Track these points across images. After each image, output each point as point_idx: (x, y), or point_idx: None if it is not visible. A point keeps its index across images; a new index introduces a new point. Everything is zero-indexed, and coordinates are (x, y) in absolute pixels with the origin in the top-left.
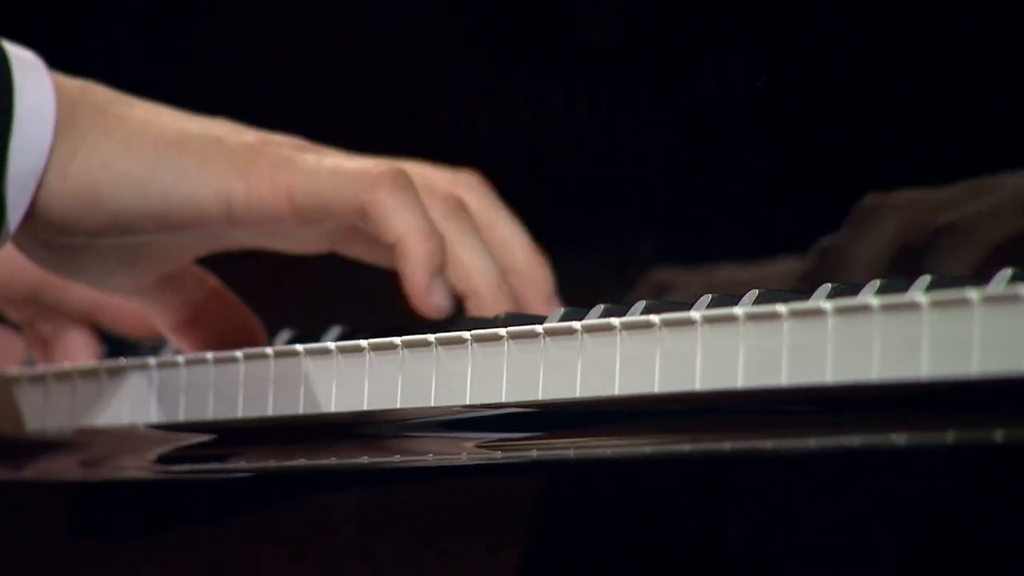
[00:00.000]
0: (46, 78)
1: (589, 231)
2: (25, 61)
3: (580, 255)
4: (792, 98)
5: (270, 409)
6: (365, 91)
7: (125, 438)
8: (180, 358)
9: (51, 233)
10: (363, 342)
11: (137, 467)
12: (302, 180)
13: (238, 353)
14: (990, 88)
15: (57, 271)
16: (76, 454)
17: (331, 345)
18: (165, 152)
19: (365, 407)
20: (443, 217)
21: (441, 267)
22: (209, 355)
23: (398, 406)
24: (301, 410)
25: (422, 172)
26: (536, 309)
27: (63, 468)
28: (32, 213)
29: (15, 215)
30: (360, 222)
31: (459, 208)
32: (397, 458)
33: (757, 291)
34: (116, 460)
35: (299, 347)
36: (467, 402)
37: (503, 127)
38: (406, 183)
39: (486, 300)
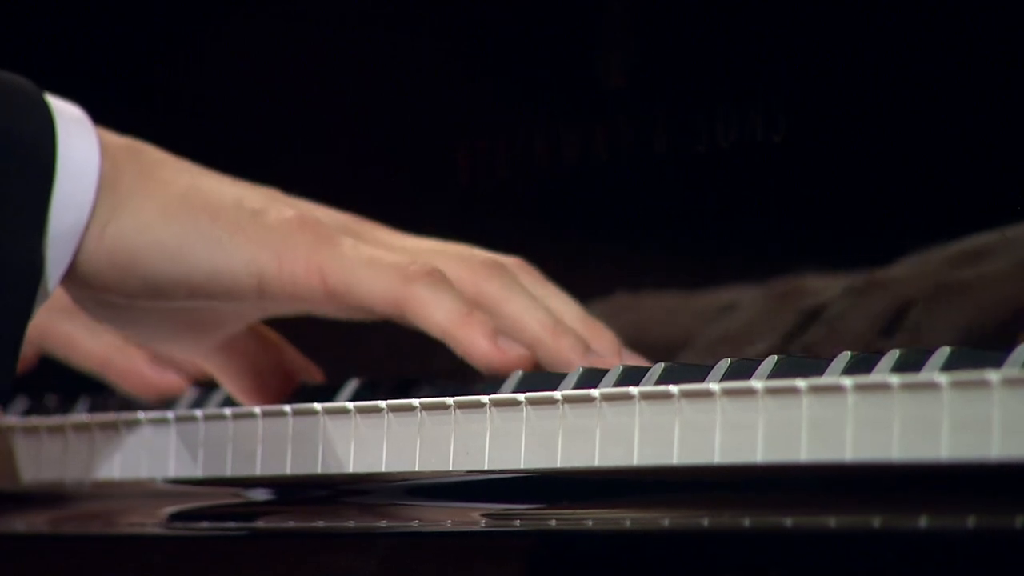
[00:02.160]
0: (91, 134)
1: (606, 274)
2: (71, 116)
3: (596, 298)
4: (812, 149)
5: (288, 467)
6: (383, 133)
7: (143, 492)
8: (199, 413)
9: (88, 291)
10: (381, 403)
11: (154, 523)
12: (337, 264)
13: (256, 409)
14: (1016, 142)
15: (111, 326)
16: (93, 507)
17: (349, 405)
18: (201, 222)
19: (383, 468)
20: (485, 279)
21: (495, 330)
22: (227, 411)
23: (416, 468)
24: (319, 469)
25: (460, 249)
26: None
27: (79, 521)
28: (71, 271)
29: (55, 273)
30: (393, 315)
31: (499, 268)
32: (416, 523)
33: (776, 357)
34: (133, 515)
35: (317, 406)
36: (485, 467)
37: (521, 170)
38: (440, 278)
39: (551, 345)
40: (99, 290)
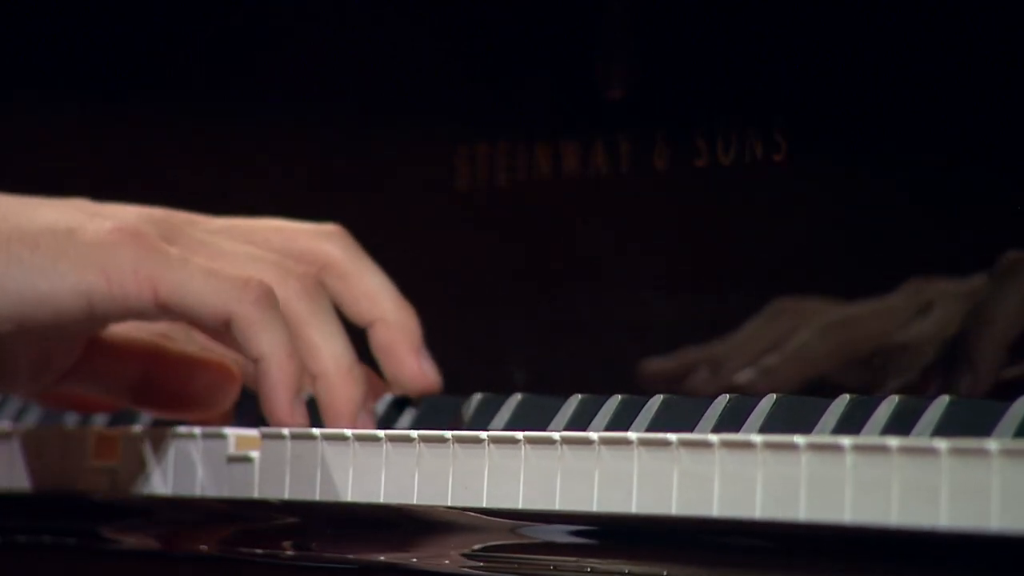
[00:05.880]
0: None
1: (603, 288)
2: None
3: (593, 313)
4: (811, 170)
5: (287, 492)
6: (382, 137)
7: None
8: (197, 430)
9: None
10: (380, 432)
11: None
12: (169, 276)
13: (254, 432)
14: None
15: None
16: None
17: (348, 432)
18: (20, 253)
19: (382, 499)
20: (297, 296)
21: (300, 389)
22: (227, 430)
23: (415, 501)
24: (318, 496)
25: (284, 235)
26: (405, 360)
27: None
28: None
29: None
30: (221, 328)
31: (315, 288)
32: (414, 561)
33: (774, 396)
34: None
35: (315, 431)
36: (484, 504)
37: (520, 179)
38: (271, 301)
39: (335, 383)
40: None
